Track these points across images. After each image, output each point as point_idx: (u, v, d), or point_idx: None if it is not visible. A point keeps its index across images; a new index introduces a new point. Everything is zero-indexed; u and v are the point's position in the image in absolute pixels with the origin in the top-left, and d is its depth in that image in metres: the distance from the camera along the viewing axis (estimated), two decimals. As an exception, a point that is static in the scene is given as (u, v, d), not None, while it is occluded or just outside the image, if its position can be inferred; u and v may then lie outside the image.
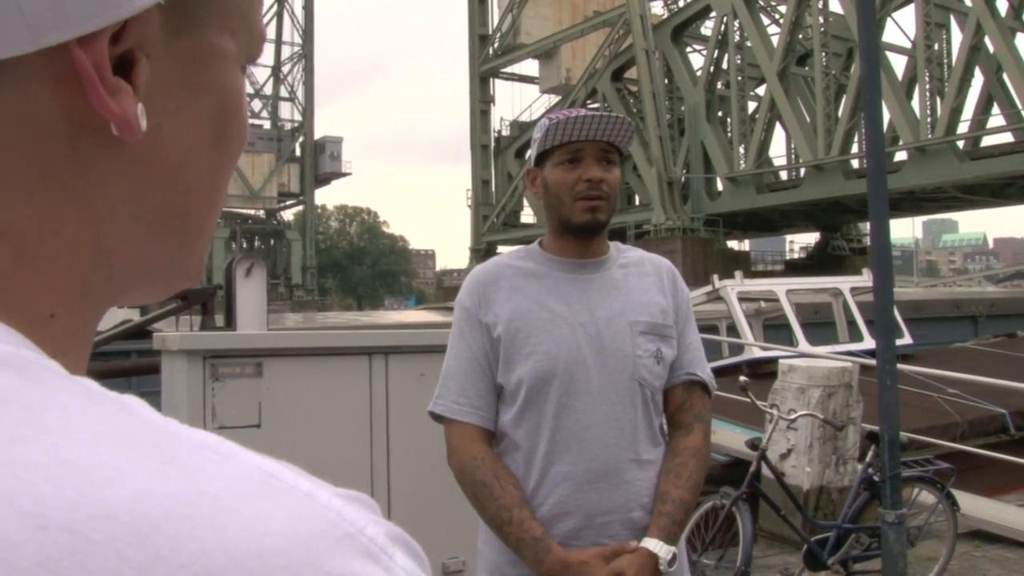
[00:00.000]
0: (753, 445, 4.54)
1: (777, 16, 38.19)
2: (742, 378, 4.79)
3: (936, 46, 29.30)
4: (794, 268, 43.19)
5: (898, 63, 33.96)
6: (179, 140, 0.38)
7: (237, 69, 0.41)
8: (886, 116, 26.11)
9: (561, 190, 1.72)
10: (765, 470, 4.48)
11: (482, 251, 44.85)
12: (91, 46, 0.33)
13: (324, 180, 57.28)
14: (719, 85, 36.31)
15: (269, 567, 0.27)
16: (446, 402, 1.76)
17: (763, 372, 7.95)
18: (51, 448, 0.28)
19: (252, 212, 55.69)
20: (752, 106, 37.24)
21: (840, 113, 30.50)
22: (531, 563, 1.64)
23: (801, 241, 49.80)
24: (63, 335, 0.36)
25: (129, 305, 0.43)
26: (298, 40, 54.38)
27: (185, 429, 0.32)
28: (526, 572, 1.69)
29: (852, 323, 11.51)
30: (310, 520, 0.29)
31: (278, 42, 53.86)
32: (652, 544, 1.64)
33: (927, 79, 28.36)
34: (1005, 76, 28.14)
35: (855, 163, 31.10)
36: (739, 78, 34.43)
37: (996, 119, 30.56)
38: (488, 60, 45.50)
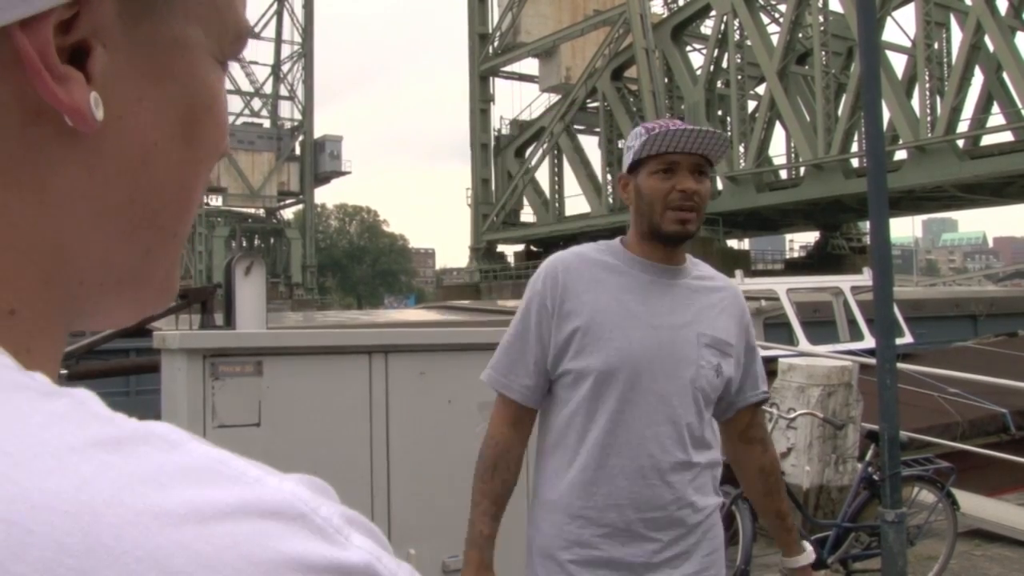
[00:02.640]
0: (753, 444, 4.54)
1: (777, 15, 38.20)
2: (742, 377, 4.79)
3: (936, 45, 29.30)
4: (794, 267, 43.19)
5: (898, 62, 33.94)
6: (143, 133, 0.36)
7: (209, 62, 0.39)
8: (886, 115, 26.11)
9: (655, 198, 1.77)
10: (765, 469, 4.48)
11: (482, 250, 44.87)
12: (34, 31, 0.32)
13: (324, 179, 57.25)
14: (719, 84, 36.31)
15: (218, 550, 0.27)
16: (496, 374, 1.87)
17: (763, 371, 7.94)
18: None
19: (252, 211, 55.67)
20: (752, 105, 37.25)
21: (840, 112, 30.51)
22: (467, 544, 1.81)
23: (801, 240, 49.84)
24: (25, 333, 0.35)
25: (103, 327, 0.42)
26: (298, 39, 54.38)
27: (134, 421, 0.31)
28: (578, 556, 1.76)
29: (852, 322, 11.50)
30: (260, 502, 0.29)
31: (278, 41, 53.85)
32: (807, 549, 1.96)
33: (927, 78, 28.37)
34: (1005, 75, 28.16)
35: (855, 162, 31.11)
36: (739, 77, 34.43)
37: (996, 118, 30.59)
38: (488, 59, 45.49)
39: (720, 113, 36.74)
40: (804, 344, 10.34)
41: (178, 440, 0.30)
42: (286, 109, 55.15)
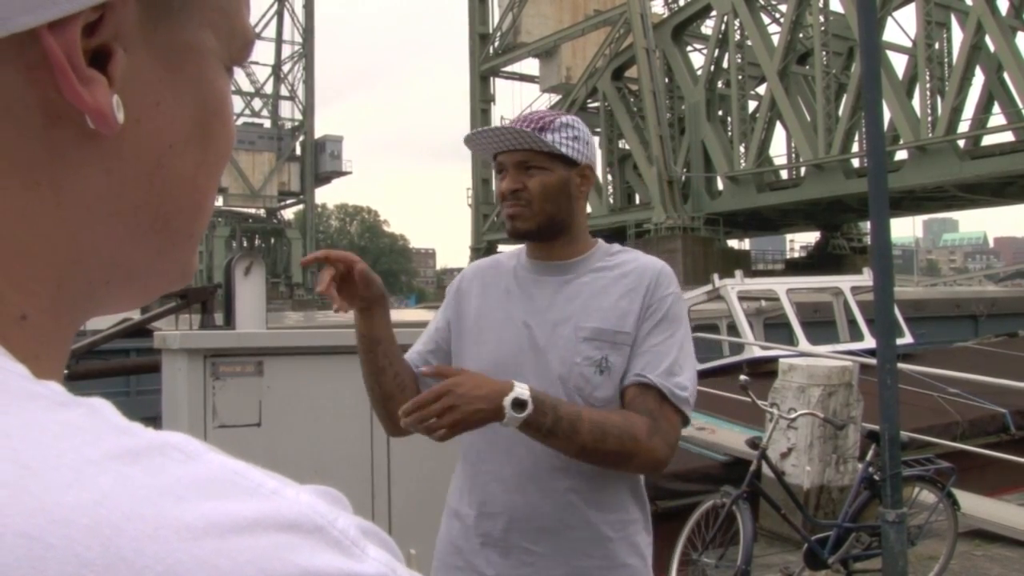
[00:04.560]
0: (753, 444, 4.55)
1: (777, 15, 38.19)
2: (742, 377, 4.80)
3: (937, 45, 29.29)
4: (794, 267, 43.21)
5: (899, 62, 33.95)
6: (159, 136, 0.37)
7: (220, 67, 0.40)
8: (887, 115, 26.10)
9: (499, 200, 1.76)
10: (765, 469, 4.48)
11: (482, 250, 44.82)
12: (62, 33, 0.32)
13: (324, 179, 57.27)
14: (719, 84, 36.30)
15: (238, 564, 0.27)
16: (411, 354, 1.84)
17: (763, 371, 7.94)
18: (10, 453, 0.27)
19: (252, 211, 55.70)
20: (752, 105, 37.25)
21: (840, 112, 30.50)
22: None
23: (801, 240, 49.83)
24: (35, 338, 0.35)
25: (110, 313, 0.43)
26: (298, 39, 54.39)
27: (150, 431, 0.31)
28: (462, 563, 1.70)
29: (852, 322, 11.49)
30: (278, 515, 0.29)
31: (278, 41, 53.85)
32: (519, 386, 1.51)
33: (928, 78, 28.36)
34: (1006, 75, 28.13)
35: (855, 162, 31.10)
36: (739, 77, 34.41)
37: (997, 118, 30.57)
38: (488, 59, 45.49)
39: (720, 113, 36.73)
40: (804, 344, 10.33)
41: (195, 451, 0.30)
42: (287, 109, 55.26)
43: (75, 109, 0.33)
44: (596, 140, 43.13)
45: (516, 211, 1.69)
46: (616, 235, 37.06)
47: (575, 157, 1.69)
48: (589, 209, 1.91)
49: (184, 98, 0.38)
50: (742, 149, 34.32)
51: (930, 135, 27.74)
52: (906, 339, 10.67)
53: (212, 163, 0.40)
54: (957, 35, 29.46)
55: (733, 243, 41.54)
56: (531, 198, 1.68)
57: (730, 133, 35.68)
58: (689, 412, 1.64)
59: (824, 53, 31.41)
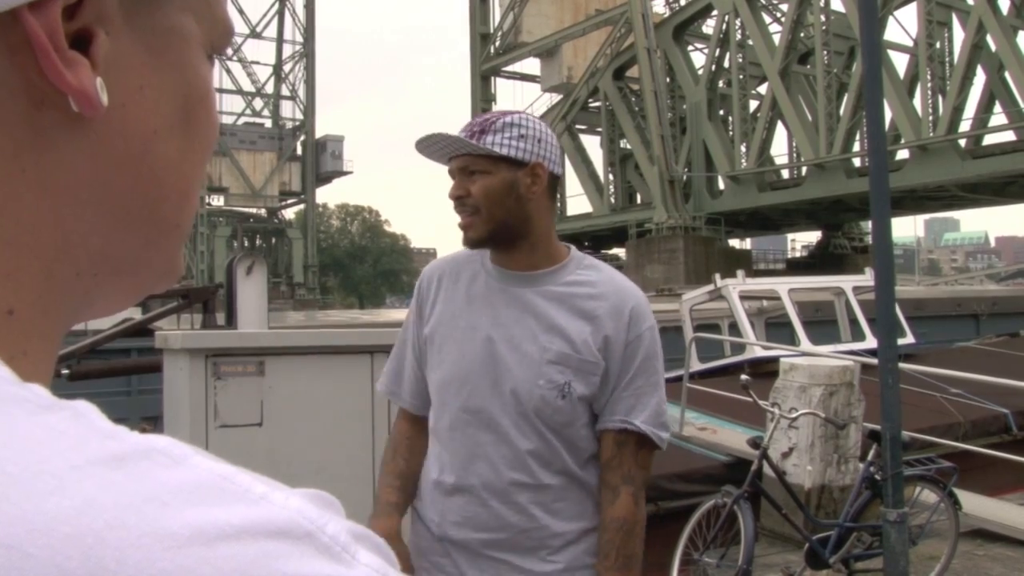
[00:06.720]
0: (755, 444, 4.55)
1: (779, 15, 38.19)
2: (744, 377, 4.80)
3: (938, 44, 29.27)
4: (796, 267, 43.18)
5: (900, 61, 33.93)
6: (144, 121, 0.36)
7: (202, 54, 0.39)
8: (888, 114, 26.07)
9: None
10: (767, 469, 4.48)
11: (483, 250, 44.82)
12: (43, 13, 0.32)
13: (325, 179, 57.22)
14: (721, 84, 36.30)
15: (222, 572, 0.26)
16: (388, 381, 1.87)
17: (765, 371, 7.93)
18: None
19: (253, 211, 55.68)
20: (754, 105, 37.23)
21: (842, 111, 30.49)
22: (372, 515, 1.75)
23: (803, 240, 49.77)
24: (23, 334, 0.34)
25: (101, 315, 0.41)
26: (299, 39, 54.36)
27: (136, 435, 0.30)
28: (430, 564, 1.71)
29: (854, 322, 11.48)
30: (266, 522, 0.28)
31: (279, 41, 53.82)
32: None
33: (929, 77, 28.34)
34: (1007, 74, 28.13)
35: (857, 161, 31.09)
36: (741, 77, 34.40)
37: (998, 117, 30.56)
38: (490, 59, 45.47)
39: (722, 113, 36.72)
40: (806, 344, 10.32)
41: (181, 455, 0.29)
42: (288, 109, 55.18)
43: (59, 93, 0.32)
44: (597, 140, 43.15)
45: (466, 222, 1.63)
46: (617, 235, 37.09)
47: (519, 157, 1.60)
48: (590, 209, 1.90)
49: (168, 83, 0.37)
50: (743, 149, 34.31)
51: (931, 134, 27.72)
52: (908, 339, 10.65)
53: (197, 151, 0.40)
54: (958, 34, 29.44)
55: (734, 243, 41.53)
56: (477, 204, 1.61)
57: (731, 133, 35.66)
58: (664, 445, 1.69)
59: (825, 52, 31.39)
